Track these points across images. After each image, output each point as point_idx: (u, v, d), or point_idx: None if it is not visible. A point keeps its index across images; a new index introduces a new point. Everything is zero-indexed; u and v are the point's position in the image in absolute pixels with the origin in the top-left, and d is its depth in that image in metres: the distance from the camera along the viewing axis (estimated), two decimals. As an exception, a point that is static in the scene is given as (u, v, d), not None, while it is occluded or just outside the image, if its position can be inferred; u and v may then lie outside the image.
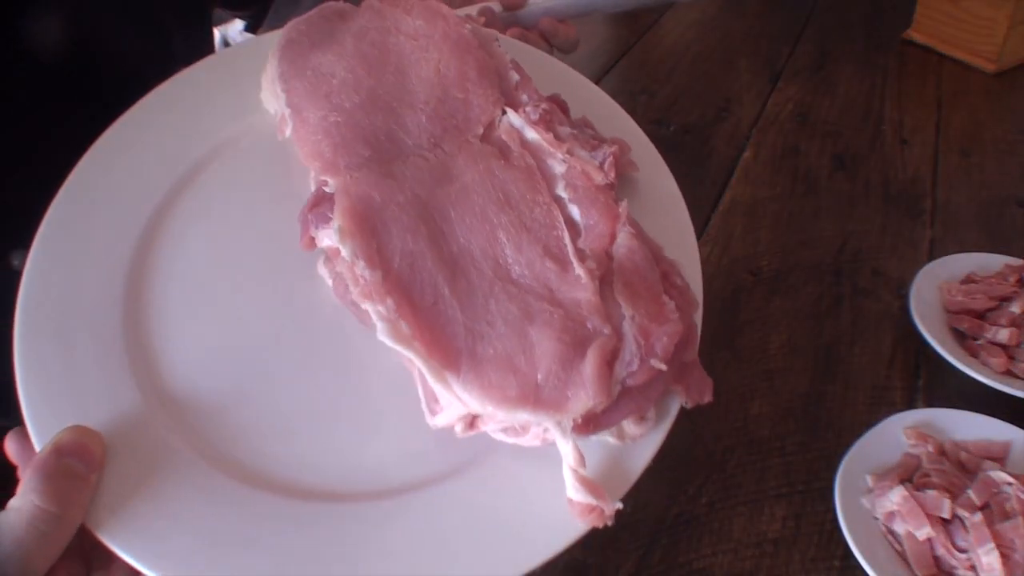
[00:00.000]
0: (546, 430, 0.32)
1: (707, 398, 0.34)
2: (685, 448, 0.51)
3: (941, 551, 0.44)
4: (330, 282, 0.37)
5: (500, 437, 0.33)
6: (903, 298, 0.61)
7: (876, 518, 0.46)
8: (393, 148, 0.37)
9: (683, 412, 0.54)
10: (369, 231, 0.34)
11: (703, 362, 0.59)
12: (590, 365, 0.31)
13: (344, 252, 0.33)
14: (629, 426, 0.33)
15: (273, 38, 0.42)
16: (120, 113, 0.42)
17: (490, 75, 0.40)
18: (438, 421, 0.33)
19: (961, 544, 0.44)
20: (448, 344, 0.32)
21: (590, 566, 0.45)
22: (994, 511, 0.45)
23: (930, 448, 0.48)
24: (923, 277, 0.60)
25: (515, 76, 0.40)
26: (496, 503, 0.32)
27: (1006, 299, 0.58)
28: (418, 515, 0.32)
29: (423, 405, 0.33)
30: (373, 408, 0.35)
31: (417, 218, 0.35)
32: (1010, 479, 0.46)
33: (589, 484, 0.31)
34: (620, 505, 0.31)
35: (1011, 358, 0.55)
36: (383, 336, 0.31)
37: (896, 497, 0.45)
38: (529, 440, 0.32)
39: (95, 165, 0.40)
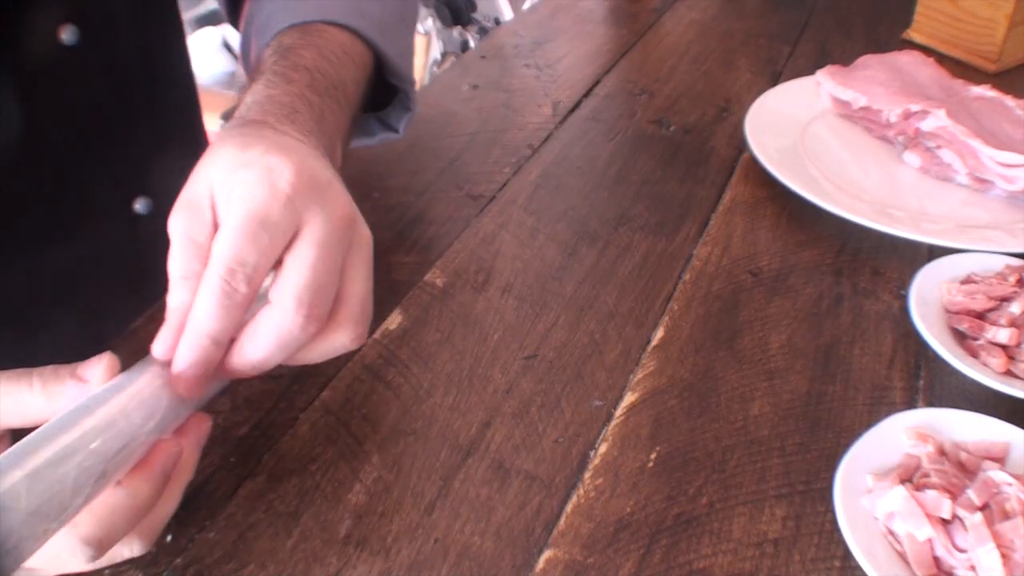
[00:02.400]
0: None
1: None
2: (685, 448, 0.51)
3: (941, 551, 0.44)
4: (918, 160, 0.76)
5: (1003, 186, 0.69)
6: (903, 298, 0.61)
7: (876, 518, 0.46)
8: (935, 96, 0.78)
9: (683, 412, 0.54)
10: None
11: (702, 362, 0.59)
12: None
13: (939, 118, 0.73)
14: None
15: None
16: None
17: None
18: (1012, 187, 0.69)
19: (961, 544, 0.44)
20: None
21: (590, 566, 0.45)
22: (994, 511, 0.45)
23: (930, 448, 0.48)
24: (923, 277, 0.60)
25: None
26: None
27: (1006, 299, 0.58)
28: None
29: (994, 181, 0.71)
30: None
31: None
32: (1010, 479, 0.46)
33: None
34: None
35: (1011, 358, 0.55)
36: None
37: (896, 497, 0.45)
38: (1014, 186, 0.69)
39: None
